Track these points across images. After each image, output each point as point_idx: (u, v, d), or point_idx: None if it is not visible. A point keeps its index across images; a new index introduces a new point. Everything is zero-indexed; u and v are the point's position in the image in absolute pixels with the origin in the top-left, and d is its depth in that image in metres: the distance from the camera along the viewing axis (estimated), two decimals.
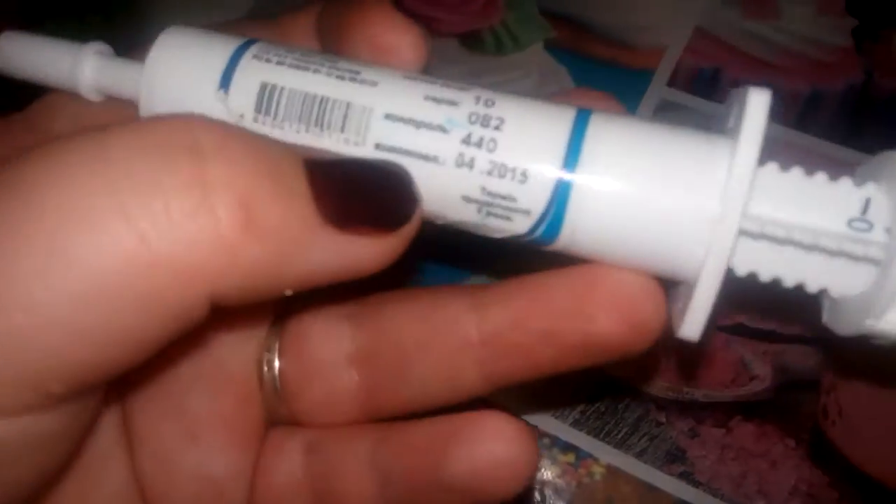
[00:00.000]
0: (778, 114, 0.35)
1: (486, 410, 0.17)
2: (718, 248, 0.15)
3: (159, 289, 0.13)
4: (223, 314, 0.14)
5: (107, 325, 0.13)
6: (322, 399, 0.20)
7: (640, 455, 0.29)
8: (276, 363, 0.20)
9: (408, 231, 0.16)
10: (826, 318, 0.17)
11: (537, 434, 0.30)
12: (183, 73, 0.17)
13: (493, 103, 0.16)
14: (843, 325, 0.16)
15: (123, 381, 0.18)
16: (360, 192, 0.15)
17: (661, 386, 0.30)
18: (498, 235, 0.16)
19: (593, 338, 0.16)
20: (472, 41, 0.38)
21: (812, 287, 0.16)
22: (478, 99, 0.16)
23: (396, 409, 0.19)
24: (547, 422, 0.30)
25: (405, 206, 0.16)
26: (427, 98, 0.16)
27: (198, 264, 0.13)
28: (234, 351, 0.20)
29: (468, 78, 0.37)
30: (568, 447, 0.29)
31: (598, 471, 0.29)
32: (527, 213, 0.16)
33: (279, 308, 0.21)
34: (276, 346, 0.20)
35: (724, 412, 0.30)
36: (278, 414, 0.20)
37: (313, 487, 0.19)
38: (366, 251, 0.15)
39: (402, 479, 0.18)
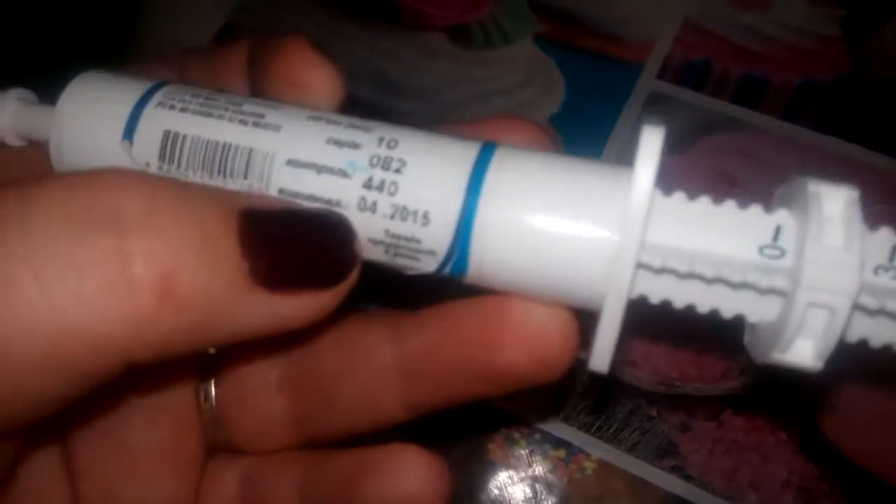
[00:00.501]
0: (767, 105, 0.35)
1: (399, 444, 0.18)
2: (617, 282, 0.15)
3: (70, 357, 0.13)
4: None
5: (13, 387, 0.13)
6: (255, 425, 0.20)
7: (631, 449, 0.29)
8: (213, 391, 0.20)
9: (345, 287, 0.15)
10: (746, 341, 0.17)
11: (528, 430, 0.30)
12: (89, 122, 0.17)
13: (396, 144, 0.16)
14: (757, 352, 0.16)
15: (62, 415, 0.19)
16: (296, 249, 0.15)
17: (652, 380, 0.30)
18: (410, 273, 0.16)
19: (500, 370, 0.16)
20: (460, 35, 0.38)
21: (727, 314, 0.16)
22: (381, 140, 0.16)
23: (327, 434, 0.20)
24: (538, 417, 0.30)
25: (344, 263, 0.15)
26: (329, 141, 0.16)
27: (111, 336, 0.13)
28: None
29: (457, 72, 0.37)
30: (559, 442, 0.29)
31: (589, 466, 0.29)
32: (432, 253, 0.16)
33: None
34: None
35: (716, 406, 0.30)
36: (219, 441, 0.20)
37: None
38: (297, 309, 0.15)
39: None
